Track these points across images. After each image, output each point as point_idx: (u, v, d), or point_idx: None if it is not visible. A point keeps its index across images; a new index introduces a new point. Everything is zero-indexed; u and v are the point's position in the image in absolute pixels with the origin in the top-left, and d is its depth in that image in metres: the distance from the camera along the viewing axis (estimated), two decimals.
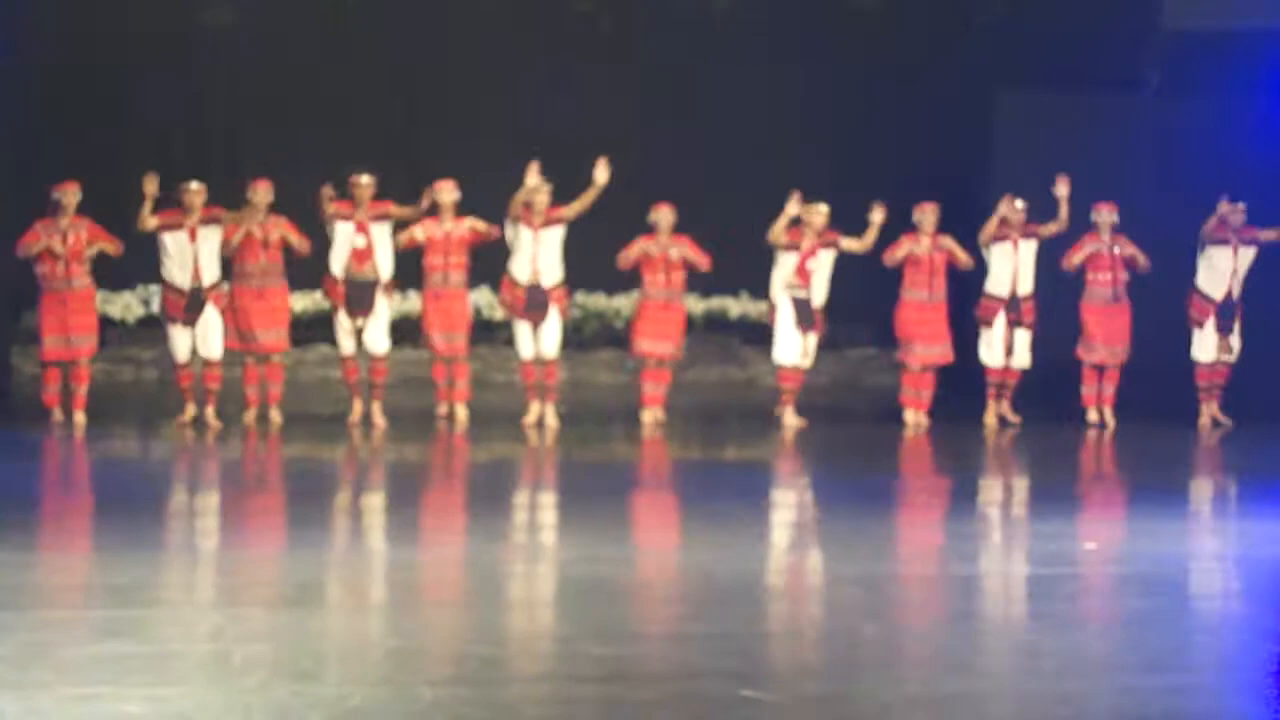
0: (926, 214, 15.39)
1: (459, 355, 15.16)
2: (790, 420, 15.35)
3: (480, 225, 14.95)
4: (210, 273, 14.76)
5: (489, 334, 18.18)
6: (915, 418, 15.45)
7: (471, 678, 6.87)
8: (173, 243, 14.66)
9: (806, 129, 19.09)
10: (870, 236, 15.24)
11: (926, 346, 15.48)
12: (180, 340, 14.85)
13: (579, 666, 7.12)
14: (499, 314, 17.71)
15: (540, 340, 15.09)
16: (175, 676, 6.74)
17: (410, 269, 15.45)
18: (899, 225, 15.38)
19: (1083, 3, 18.14)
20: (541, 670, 7.17)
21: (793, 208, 15.09)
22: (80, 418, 14.82)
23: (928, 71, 18.66)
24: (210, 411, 14.79)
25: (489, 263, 15.51)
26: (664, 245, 15.27)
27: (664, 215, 15.26)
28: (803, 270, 15.19)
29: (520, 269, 14.96)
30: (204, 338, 14.84)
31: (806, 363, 15.46)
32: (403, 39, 19.28)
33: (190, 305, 14.74)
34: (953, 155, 18.20)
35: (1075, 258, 15.50)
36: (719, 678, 6.90)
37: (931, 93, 18.62)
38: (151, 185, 14.52)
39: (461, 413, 15.13)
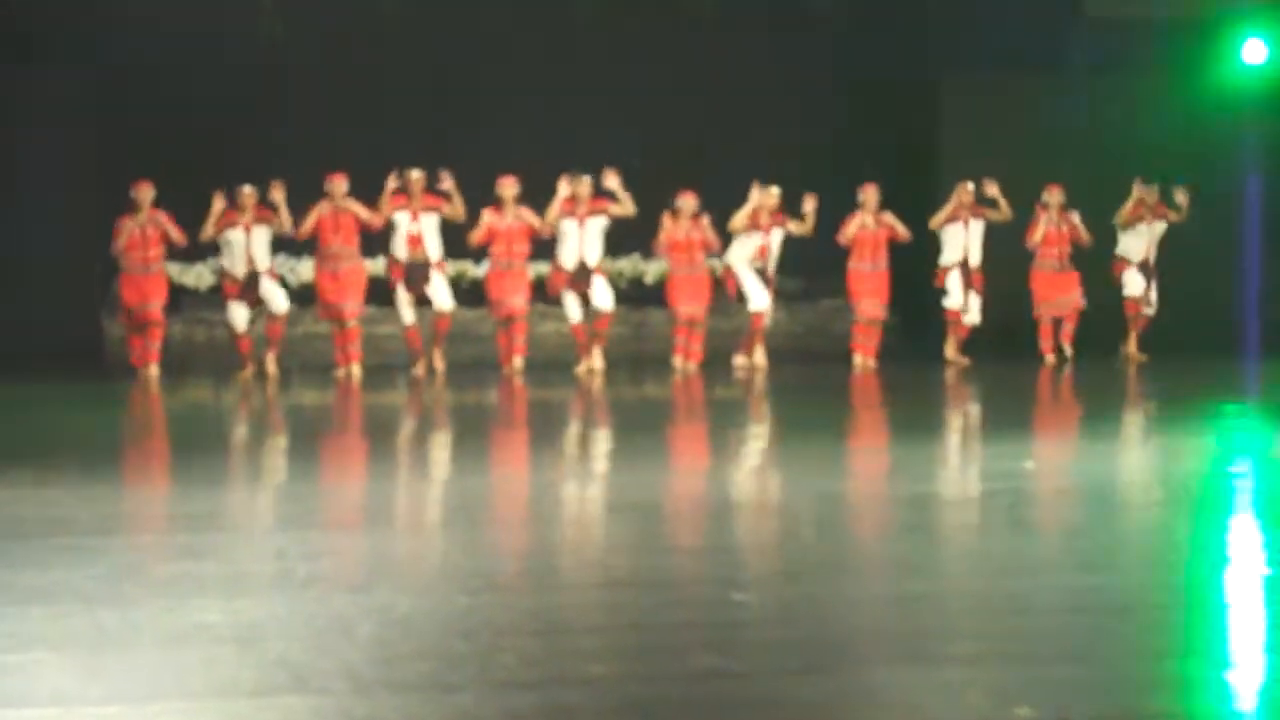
0: (869, 194, 15.66)
1: (518, 315, 15.15)
2: (759, 360, 15.58)
3: (535, 221, 15.04)
4: (263, 262, 14.85)
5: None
6: (863, 360, 15.78)
7: (503, 586, 6.89)
8: (230, 238, 14.76)
9: (776, 110, 18.97)
10: (809, 223, 15.56)
11: (871, 304, 15.77)
12: (238, 313, 14.91)
13: (587, 576, 7.15)
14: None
15: (594, 299, 15.17)
16: (247, 591, 6.76)
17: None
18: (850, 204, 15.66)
19: None
20: (562, 580, 7.20)
21: (755, 198, 15.21)
22: (154, 370, 14.81)
23: (882, 56, 18.57)
24: (270, 359, 14.84)
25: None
26: (687, 230, 15.37)
27: (687, 202, 15.39)
28: (764, 250, 15.51)
29: (567, 257, 15.07)
30: (269, 300, 14.90)
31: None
32: (436, 48, 19.07)
33: (246, 287, 14.81)
34: (906, 130, 18.16)
35: (1035, 236, 15.75)
36: (711, 584, 6.92)
37: (889, 75, 18.54)
38: (219, 203, 14.62)
39: (519, 362, 15.14)
